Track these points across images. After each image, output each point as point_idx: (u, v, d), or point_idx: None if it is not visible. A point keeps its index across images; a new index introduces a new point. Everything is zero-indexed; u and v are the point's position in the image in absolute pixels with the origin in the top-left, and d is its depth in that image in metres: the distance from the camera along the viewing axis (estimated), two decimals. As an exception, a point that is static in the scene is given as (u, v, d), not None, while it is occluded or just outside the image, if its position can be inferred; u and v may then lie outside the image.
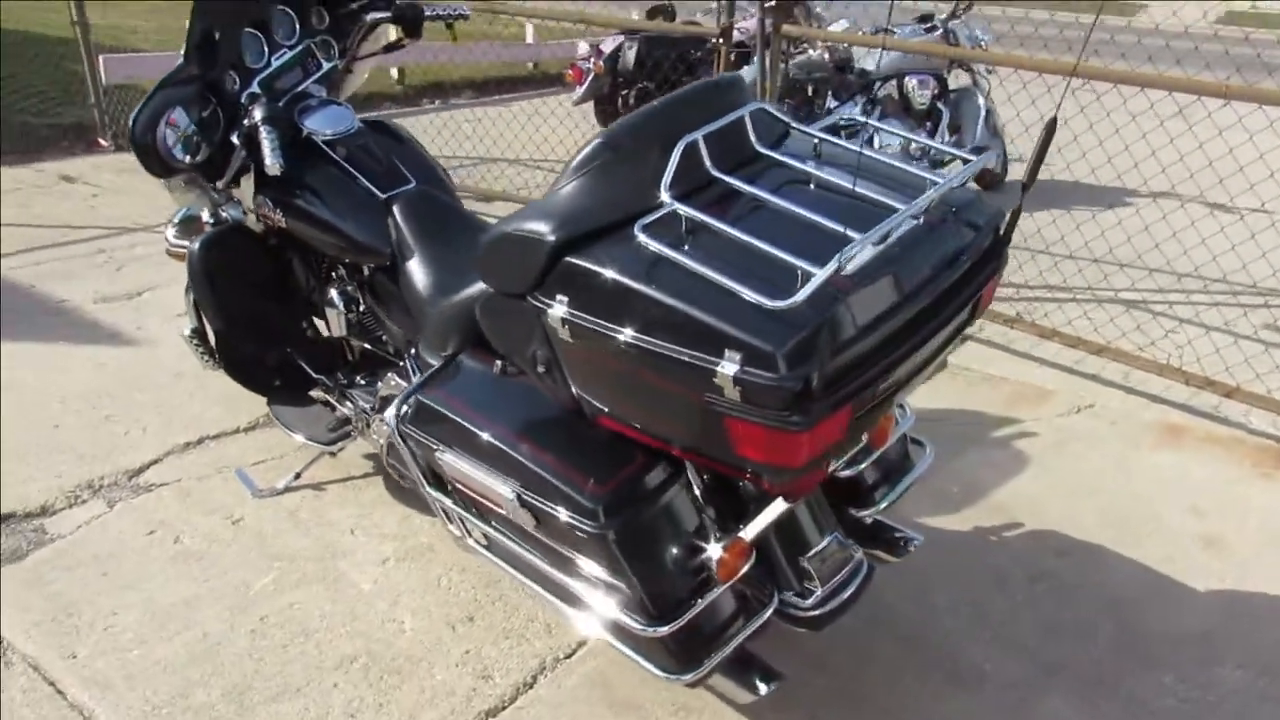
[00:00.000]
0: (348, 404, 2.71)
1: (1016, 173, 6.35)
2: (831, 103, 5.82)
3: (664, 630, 1.73)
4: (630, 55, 6.56)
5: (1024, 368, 3.88)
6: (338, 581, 2.53)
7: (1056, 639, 2.45)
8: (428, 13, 2.79)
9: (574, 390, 1.74)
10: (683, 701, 2.20)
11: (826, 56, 5.86)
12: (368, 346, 2.73)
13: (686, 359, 1.46)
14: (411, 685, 2.22)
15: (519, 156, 6.40)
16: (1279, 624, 2.53)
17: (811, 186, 1.67)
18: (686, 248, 1.52)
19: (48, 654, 2.27)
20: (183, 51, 2.45)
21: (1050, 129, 1.63)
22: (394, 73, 8.64)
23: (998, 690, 2.29)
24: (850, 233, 1.46)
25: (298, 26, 2.64)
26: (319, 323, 2.85)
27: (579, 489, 1.73)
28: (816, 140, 1.77)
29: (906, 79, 5.89)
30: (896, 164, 1.71)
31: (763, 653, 1.96)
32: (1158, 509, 2.98)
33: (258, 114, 2.40)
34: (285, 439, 2.85)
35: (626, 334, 1.53)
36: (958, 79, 6.15)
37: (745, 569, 1.79)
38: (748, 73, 4.74)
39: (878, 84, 5.91)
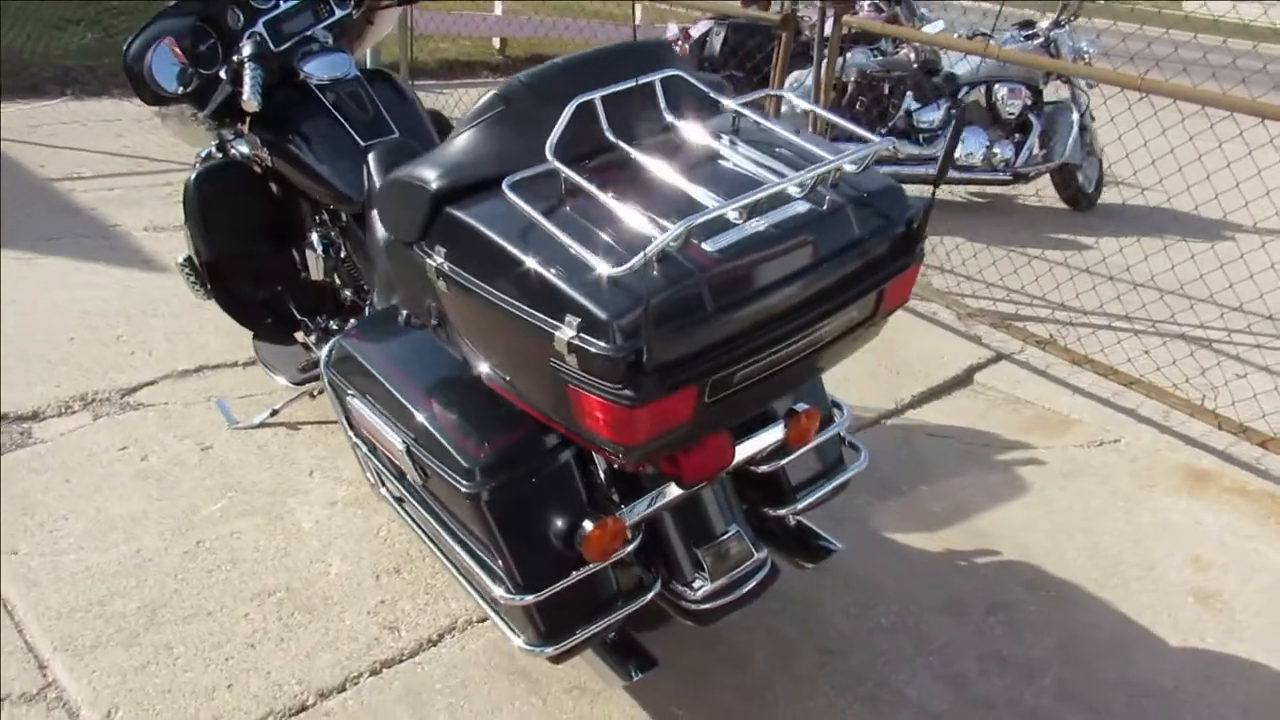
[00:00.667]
0: (323, 347, 2.74)
1: (1110, 196, 6.09)
2: (912, 104, 5.61)
3: (528, 600, 1.69)
4: (716, 41, 6.43)
5: (1054, 393, 3.67)
6: (282, 518, 2.56)
7: (997, 674, 2.31)
8: None
9: (459, 346, 1.72)
10: (581, 682, 2.15)
11: (911, 56, 5.66)
12: (348, 292, 2.76)
13: (532, 320, 1.42)
14: (317, 626, 2.24)
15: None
16: (1253, 690, 2.34)
17: (711, 160, 1.60)
18: (551, 208, 1.47)
19: (-9, 547, 2.38)
20: None
21: (959, 124, 1.52)
22: (496, 43, 8.74)
23: (914, 718, 2.17)
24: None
25: None
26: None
27: (460, 447, 1.70)
28: (734, 113, 1.70)
29: (996, 87, 5.65)
30: (806, 143, 1.62)
31: (670, 641, 1.91)
32: (1154, 555, 2.78)
33: (246, 51, 2.43)
34: (279, 377, 2.90)
35: (487, 290, 1.49)
36: (1055, 91, 5.85)
37: (624, 551, 1.74)
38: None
39: (964, 89, 5.68)
